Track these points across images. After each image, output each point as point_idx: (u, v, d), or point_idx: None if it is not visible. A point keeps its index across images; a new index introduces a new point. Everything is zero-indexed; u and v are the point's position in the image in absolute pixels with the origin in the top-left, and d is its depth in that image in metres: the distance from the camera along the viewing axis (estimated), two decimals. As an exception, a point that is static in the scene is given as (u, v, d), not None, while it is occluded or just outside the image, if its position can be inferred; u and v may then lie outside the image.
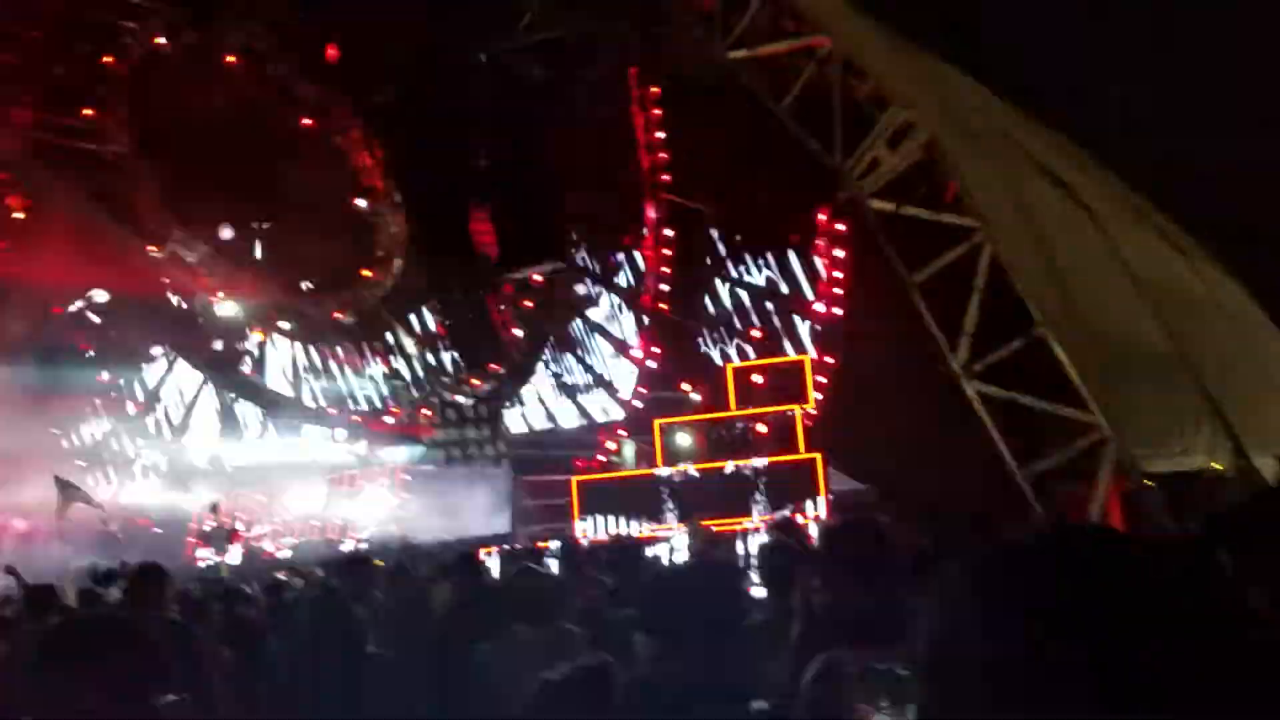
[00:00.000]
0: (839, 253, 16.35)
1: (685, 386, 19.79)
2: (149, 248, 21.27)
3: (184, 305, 21.87)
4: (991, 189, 14.61)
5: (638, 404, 20.45)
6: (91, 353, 21.08)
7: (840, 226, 16.05)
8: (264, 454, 22.64)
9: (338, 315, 23.32)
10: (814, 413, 16.45)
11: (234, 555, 20.04)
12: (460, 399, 23.27)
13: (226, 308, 21.98)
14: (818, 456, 15.11)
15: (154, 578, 5.24)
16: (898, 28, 15.95)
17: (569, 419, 22.73)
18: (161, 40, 21.04)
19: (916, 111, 14.31)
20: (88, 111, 21.09)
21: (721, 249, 18.84)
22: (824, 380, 16.64)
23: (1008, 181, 15.00)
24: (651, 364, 20.34)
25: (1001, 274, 14.30)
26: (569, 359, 22.20)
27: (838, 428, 16.15)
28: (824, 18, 14.48)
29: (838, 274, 16.56)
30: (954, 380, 14.63)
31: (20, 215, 21.14)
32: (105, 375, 21.38)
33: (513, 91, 20.01)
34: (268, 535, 21.69)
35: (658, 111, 18.86)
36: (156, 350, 21.76)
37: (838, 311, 16.73)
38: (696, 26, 15.48)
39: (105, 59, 20.90)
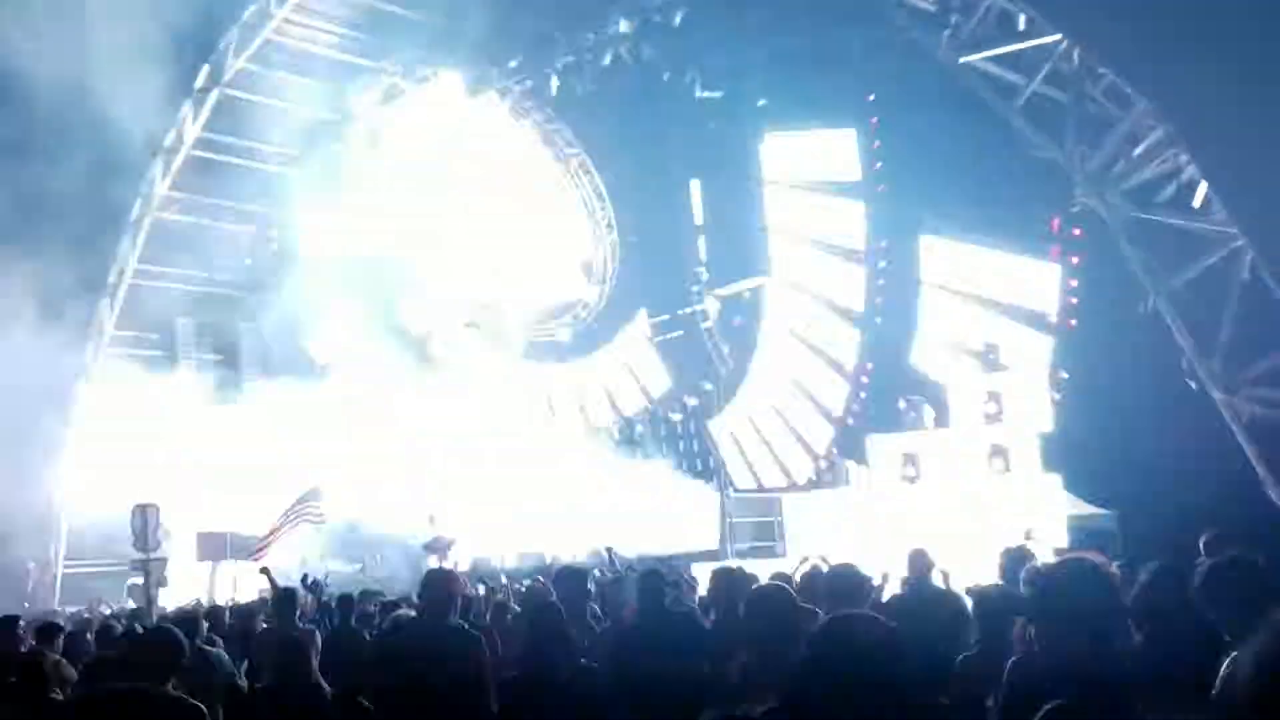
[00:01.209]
0: (1074, 260, 15.50)
1: (902, 403, 19.23)
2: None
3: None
4: (1248, 190, 13.53)
5: (850, 421, 20.05)
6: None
7: (1076, 232, 15.22)
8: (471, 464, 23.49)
9: (554, 333, 24.24)
10: (1047, 430, 15.61)
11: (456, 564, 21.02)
12: (672, 415, 23.59)
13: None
14: (1057, 478, 14.34)
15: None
16: (1137, 18, 15.04)
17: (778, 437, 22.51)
18: (395, 79, 22.57)
19: (1161, 109, 13.45)
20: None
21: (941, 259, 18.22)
22: (1057, 396, 15.77)
23: (1266, 183, 13.83)
24: (864, 379, 19.91)
25: (1257, 285, 13.24)
26: (777, 374, 22.05)
27: (1073, 447, 15.27)
28: (1058, 13, 13.85)
29: (1073, 283, 15.69)
30: (1206, 396, 13.61)
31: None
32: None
33: (726, 106, 20.15)
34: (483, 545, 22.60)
35: (874, 120, 18.49)
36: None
37: (1073, 323, 15.84)
38: (918, 29, 15.10)
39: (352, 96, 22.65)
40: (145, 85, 18.88)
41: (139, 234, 22.35)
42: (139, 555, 19.61)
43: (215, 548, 19.45)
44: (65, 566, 21.68)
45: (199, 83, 21.75)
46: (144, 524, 19.29)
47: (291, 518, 18.50)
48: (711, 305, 22.68)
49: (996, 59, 14.41)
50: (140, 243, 22.42)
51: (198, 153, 22.27)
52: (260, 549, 18.45)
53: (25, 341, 18.01)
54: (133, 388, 20.55)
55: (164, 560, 18.51)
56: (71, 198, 18.48)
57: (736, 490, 20.85)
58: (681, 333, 23.11)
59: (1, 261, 17.66)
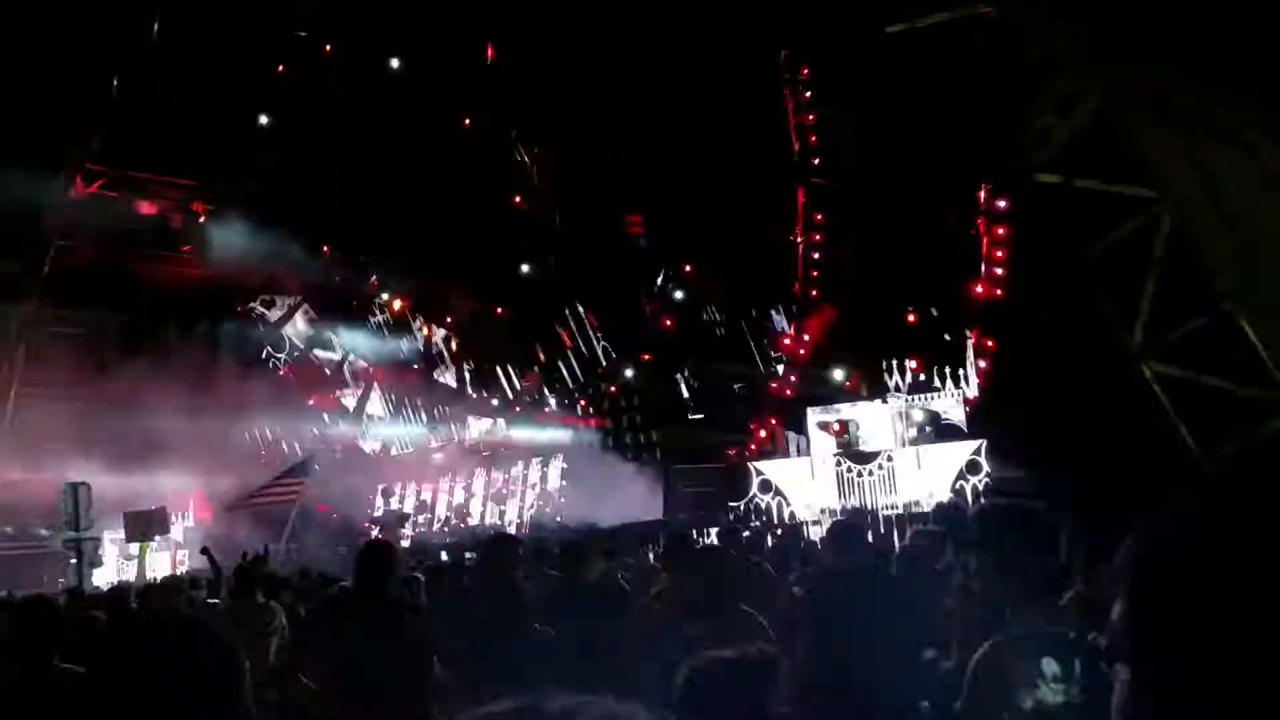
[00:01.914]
0: (1000, 230, 15.71)
1: (837, 373, 19.44)
2: (324, 249, 22.58)
3: (355, 303, 23.05)
4: (1171, 157, 13.74)
5: (789, 392, 20.21)
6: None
7: (1001, 203, 15.42)
8: (428, 442, 23.59)
9: (499, 309, 24.11)
10: (973, 397, 15.86)
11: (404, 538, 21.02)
12: (613, 389, 23.62)
13: (396, 304, 23.10)
14: (982, 443, 14.57)
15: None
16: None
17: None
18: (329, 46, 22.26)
19: (1088, 75, 13.60)
20: (264, 120, 22.53)
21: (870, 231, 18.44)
22: (984, 365, 16.02)
23: (1189, 149, 14.07)
24: (802, 350, 20.07)
25: (1179, 248, 13.47)
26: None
27: (999, 413, 15.52)
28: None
29: (999, 253, 15.91)
30: (1129, 362, 13.86)
31: (204, 219, 22.81)
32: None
33: (668, 83, 20.11)
34: (433, 520, 22.60)
35: (808, 94, 18.58)
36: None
37: (999, 292, 16.08)
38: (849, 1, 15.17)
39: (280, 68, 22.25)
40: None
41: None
42: (70, 534, 19.32)
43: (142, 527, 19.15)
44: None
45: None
46: (75, 503, 18.97)
47: (273, 494, 18.44)
48: None
49: (928, 29, 14.48)
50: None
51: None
52: (235, 507, 18.40)
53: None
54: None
55: (96, 540, 18.24)
56: None
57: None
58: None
59: None
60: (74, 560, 19.41)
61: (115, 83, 21.29)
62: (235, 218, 21.45)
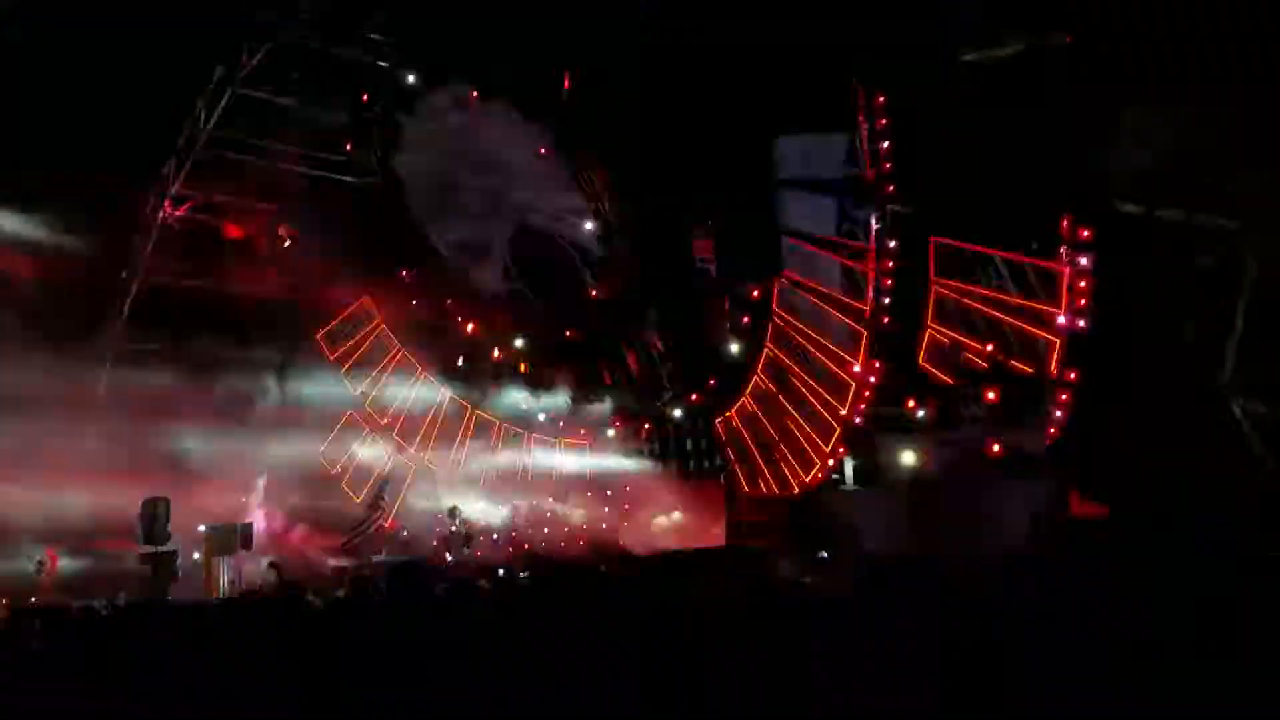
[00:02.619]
0: (1083, 260, 15.48)
1: (910, 403, 19.21)
2: (401, 272, 23.01)
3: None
4: (1254, 188, 13.50)
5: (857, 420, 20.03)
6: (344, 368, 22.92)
7: (1085, 233, 15.20)
8: (494, 464, 23.76)
9: (568, 334, 24.32)
10: (1054, 433, 15.61)
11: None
12: (679, 412, 23.65)
13: (469, 327, 23.45)
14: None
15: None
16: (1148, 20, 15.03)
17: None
18: (412, 80, 22.75)
19: (1170, 109, 13.43)
20: (349, 148, 23.10)
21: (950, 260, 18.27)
22: (1065, 398, 15.74)
23: (1272, 180, 13.82)
24: (871, 379, 19.88)
25: (1272, 281, 13.22)
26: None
27: (1082, 449, 15.24)
28: (1068, 14, 13.86)
29: (1082, 283, 15.66)
30: (1218, 396, 13.58)
31: (289, 243, 23.36)
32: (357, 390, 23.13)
33: (738, 107, 20.21)
34: (500, 540, 22.80)
35: (883, 121, 18.51)
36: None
37: (1082, 323, 15.81)
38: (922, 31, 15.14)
39: (363, 99, 22.80)
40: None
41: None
42: (148, 549, 19.85)
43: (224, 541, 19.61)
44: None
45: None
46: (154, 518, 19.49)
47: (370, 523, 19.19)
48: None
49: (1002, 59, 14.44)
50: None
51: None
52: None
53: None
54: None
55: (174, 553, 18.70)
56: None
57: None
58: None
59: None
60: (153, 574, 19.95)
61: (202, 109, 22.00)
62: (320, 242, 21.97)
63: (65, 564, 19.71)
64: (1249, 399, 13.20)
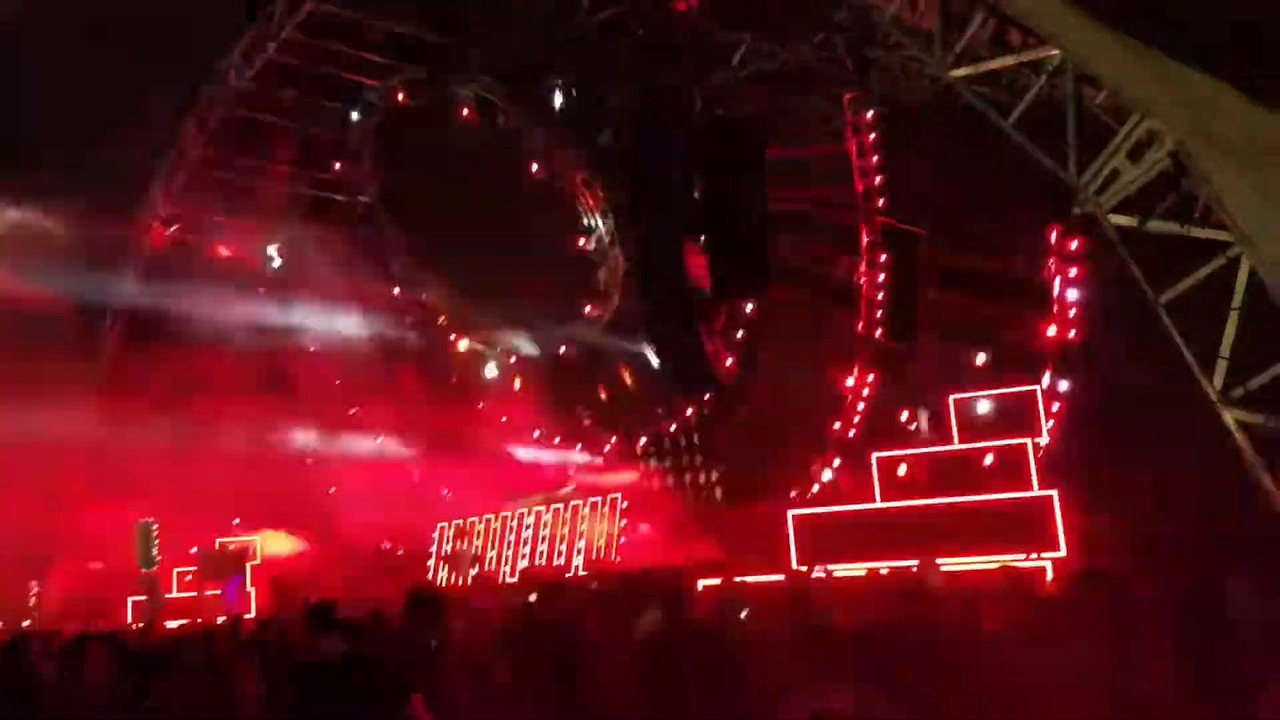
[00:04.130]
0: (1073, 272, 15.49)
1: (903, 417, 19.20)
2: (394, 290, 23.02)
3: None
4: (1248, 200, 13.46)
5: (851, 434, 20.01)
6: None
7: (1074, 244, 15.21)
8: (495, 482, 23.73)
9: (563, 351, 24.35)
10: (1045, 444, 15.54)
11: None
12: (674, 428, 23.65)
13: (463, 343, 23.46)
14: (1053, 494, 14.23)
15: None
16: (1134, 33, 15.04)
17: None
18: (402, 97, 22.75)
19: (1160, 120, 13.41)
20: (339, 166, 23.11)
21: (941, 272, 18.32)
22: (1057, 410, 15.72)
23: (1265, 192, 13.80)
24: (865, 392, 19.88)
25: (1260, 293, 13.16)
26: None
27: (1072, 462, 15.19)
28: (1053, 27, 13.85)
29: (1072, 295, 15.67)
30: (1208, 408, 13.52)
31: (280, 263, 23.38)
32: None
33: (725, 126, 20.28)
34: (501, 560, 22.75)
35: (872, 136, 18.59)
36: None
37: (1072, 335, 15.81)
38: (913, 47, 15.18)
39: (353, 115, 22.82)
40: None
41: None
42: (144, 571, 19.79)
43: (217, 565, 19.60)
44: None
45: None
46: (146, 541, 19.49)
47: None
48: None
49: (991, 74, 14.45)
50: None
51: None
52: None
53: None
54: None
55: (156, 577, 18.69)
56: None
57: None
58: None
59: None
60: (143, 596, 19.90)
61: (189, 126, 22.06)
62: (311, 259, 22.03)
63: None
64: (1240, 409, 13.11)
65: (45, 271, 19.44)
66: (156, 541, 19.76)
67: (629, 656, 6.25)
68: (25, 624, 18.09)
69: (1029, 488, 14.44)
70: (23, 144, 18.35)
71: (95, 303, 21.57)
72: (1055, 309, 16.04)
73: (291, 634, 7.97)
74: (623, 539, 22.59)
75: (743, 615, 7.48)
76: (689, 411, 23.40)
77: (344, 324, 22.77)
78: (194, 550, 20.81)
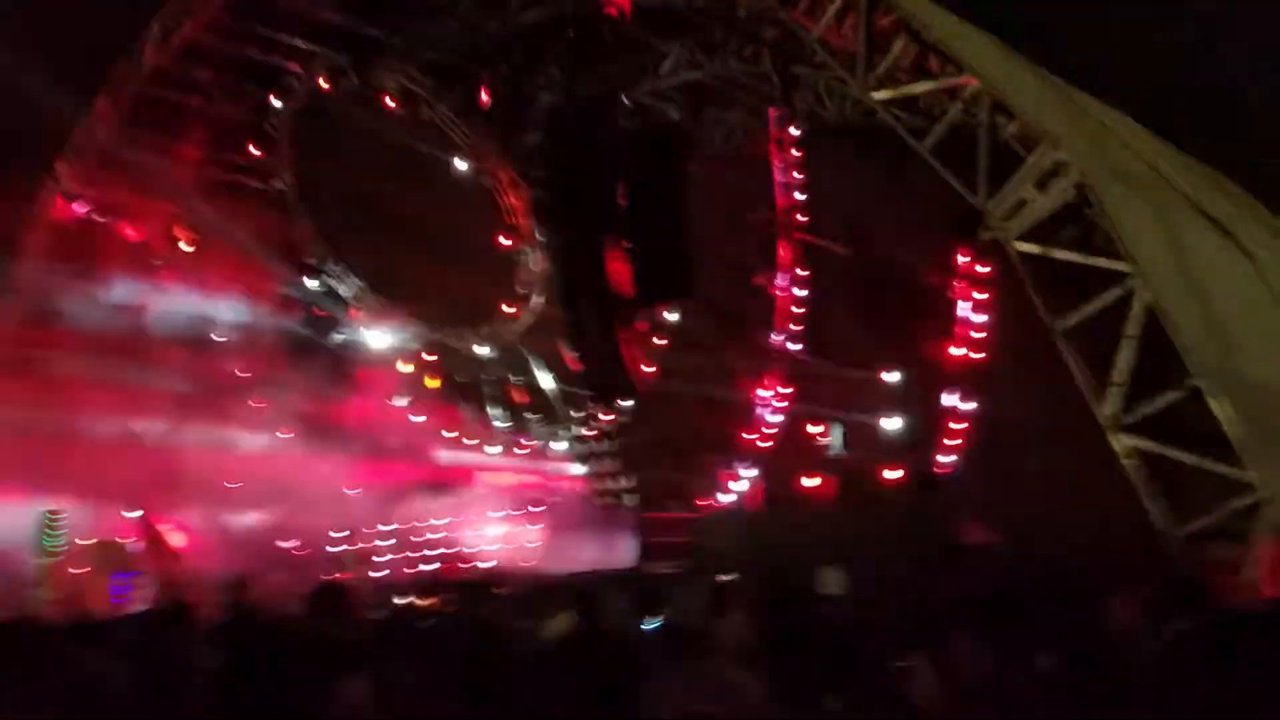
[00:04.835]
0: (980, 295, 15.91)
1: (812, 429, 19.52)
2: (305, 280, 22.50)
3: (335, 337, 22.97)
4: (1147, 232, 13.99)
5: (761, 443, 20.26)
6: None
7: (981, 269, 15.63)
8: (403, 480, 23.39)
9: (477, 348, 24.09)
10: (949, 461, 15.93)
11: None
12: (589, 433, 23.63)
13: (376, 339, 23.03)
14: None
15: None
16: (1047, 66, 15.53)
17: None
18: (324, 83, 22.28)
19: (1067, 151, 13.85)
20: (254, 150, 22.52)
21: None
22: (959, 427, 16.13)
23: (1165, 225, 14.35)
24: (779, 404, 20.15)
25: (1155, 322, 13.64)
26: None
27: (972, 477, 15.60)
28: (970, 57, 14.22)
29: (978, 317, 16.10)
30: (1101, 432, 13.97)
31: (188, 248, 22.69)
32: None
33: (651, 133, 20.34)
34: (400, 560, 22.41)
35: (796, 153, 18.85)
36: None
37: (978, 356, 16.24)
38: (837, 67, 15.44)
39: (271, 99, 22.27)
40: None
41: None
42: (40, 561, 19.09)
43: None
44: None
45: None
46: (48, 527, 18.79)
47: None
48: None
49: (910, 98, 14.77)
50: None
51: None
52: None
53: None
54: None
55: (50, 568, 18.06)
56: None
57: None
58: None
59: None
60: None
61: (100, 102, 21.29)
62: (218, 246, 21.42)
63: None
64: (1131, 435, 13.57)
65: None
66: (63, 531, 19.11)
67: (541, 660, 6.25)
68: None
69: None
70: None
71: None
72: (960, 330, 16.45)
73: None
74: (535, 542, 22.52)
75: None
76: (605, 418, 23.40)
77: (248, 313, 22.17)
78: (88, 541, 20.11)
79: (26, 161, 20.37)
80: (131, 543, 19.88)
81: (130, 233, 21.73)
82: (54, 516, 19.31)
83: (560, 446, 24.42)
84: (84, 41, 19.03)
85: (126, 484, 19.59)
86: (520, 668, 6.07)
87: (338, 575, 21.26)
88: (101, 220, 21.51)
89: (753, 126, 19.99)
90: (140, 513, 20.56)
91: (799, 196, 19.23)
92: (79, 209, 21.46)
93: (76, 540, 19.82)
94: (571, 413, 24.34)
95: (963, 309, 16.32)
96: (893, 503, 16.27)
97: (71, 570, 20.14)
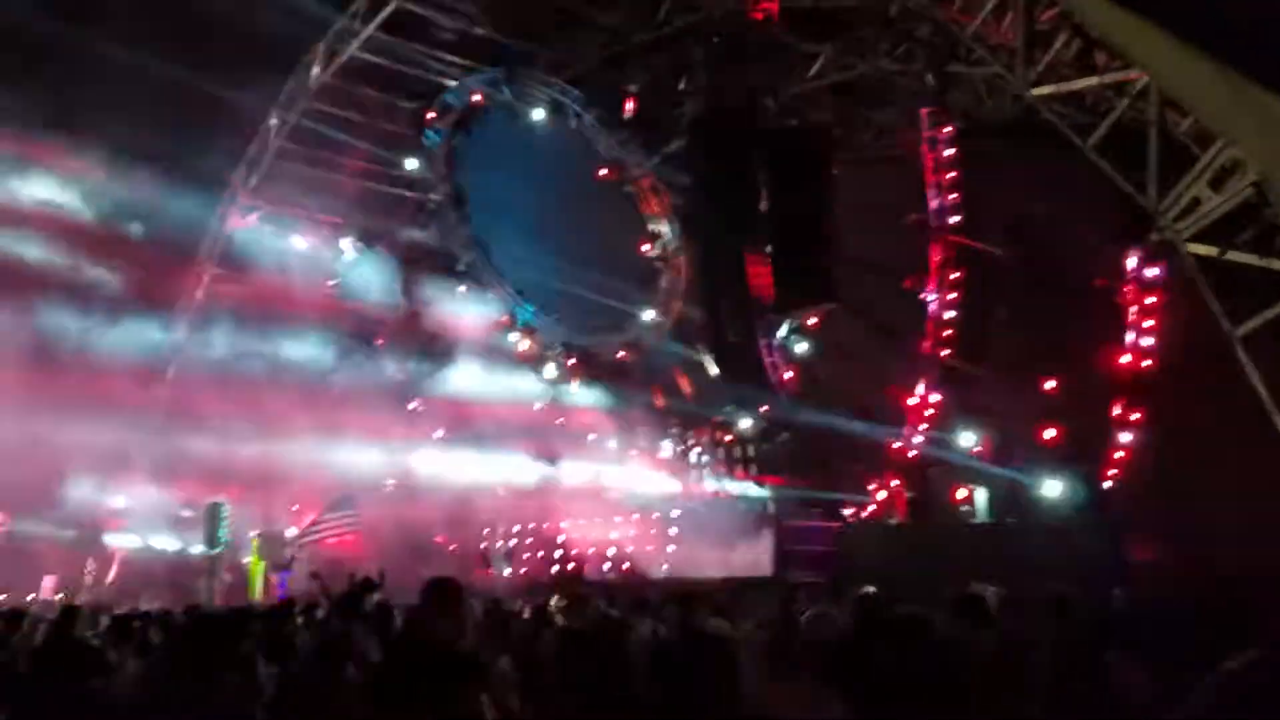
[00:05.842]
0: (1149, 300, 15.13)
1: (964, 439, 18.88)
2: (459, 289, 23.33)
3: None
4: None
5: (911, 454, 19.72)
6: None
7: (1152, 272, 14.87)
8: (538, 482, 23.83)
9: (621, 355, 24.40)
10: (1116, 474, 15.22)
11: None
12: (728, 439, 23.54)
13: (523, 344, 23.66)
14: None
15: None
16: (1223, 59, 14.68)
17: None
18: (478, 98, 23.05)
19: (1244, 148, 13.08)
20: (412, 163, 23.48)
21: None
22: (1128, 438, 15.36)
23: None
24: (930, 412, 19.58)
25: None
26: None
27: (1142, 491, 14.85)
28: (1137, 50, 13.58)
29: (1149, 323, 15.31)
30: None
31: (350, 257, 23.79)
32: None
33: (796, 136, 20.20)
34: (539, 560, 22.90)
35: (949, 152, 18.33)
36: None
37: (1147, 364, 15.43)
38: (995, 63, 15.00)
39: (429, 115, 23.18)
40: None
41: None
42: (207, 551, 20.28)
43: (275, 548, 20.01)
44: None
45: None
46: (213, 521, 19.97)
47: (325, 528, 19.07)
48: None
49: (1073, 94, 14.24)
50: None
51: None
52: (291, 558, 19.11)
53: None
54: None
55: (219, 557, 19.15)
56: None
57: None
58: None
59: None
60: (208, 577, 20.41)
61: (274, 120, 22.58)
62: (382, 256, 22.45)
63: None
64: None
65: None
66: (226, 522, 20.27)
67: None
68: (78, 600, 18.58)
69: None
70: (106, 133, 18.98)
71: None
72: (1131, 337, 15.68)
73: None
74: (670, 547, 22.57)
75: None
76: (745, 422, 23.26)
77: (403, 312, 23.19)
78: (254, 534, 21.25)
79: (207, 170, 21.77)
80: (292, 538, 20.90)
81: (301, 243, 22.96)
82: (219, 509, 20.44)
83: (700, 451, 24.40)
84: (255, 61, 20.20)
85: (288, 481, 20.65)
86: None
87: (483, 571, 21.92)
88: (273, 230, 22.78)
89: (903, 126, 19.57)
90: (297, 507, 21.62)
91: (952, 197, 18.68)
92: (251, 220, 22.82)
93: (244, 533, 21.01)
94: (711, 417, 24.31)
95: (1131, 315, 15.55)
96: (1053, 515, 15.59)
97: (242, 561, 21.39)
